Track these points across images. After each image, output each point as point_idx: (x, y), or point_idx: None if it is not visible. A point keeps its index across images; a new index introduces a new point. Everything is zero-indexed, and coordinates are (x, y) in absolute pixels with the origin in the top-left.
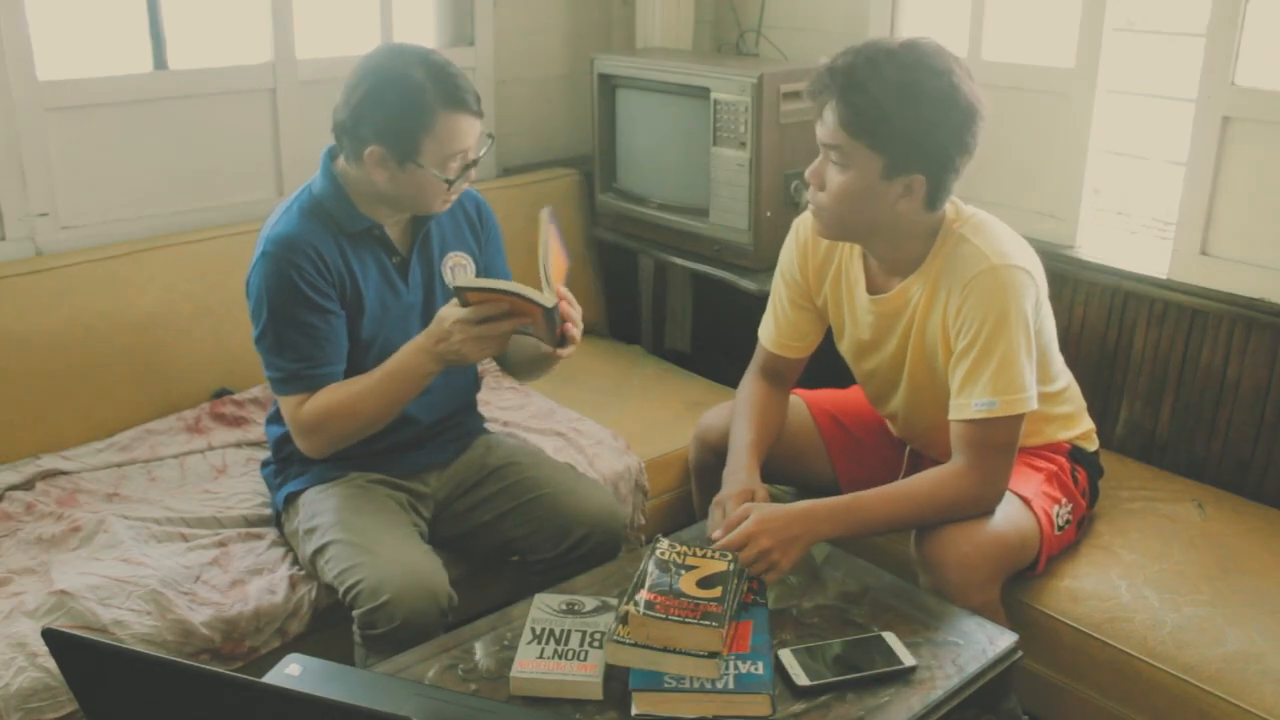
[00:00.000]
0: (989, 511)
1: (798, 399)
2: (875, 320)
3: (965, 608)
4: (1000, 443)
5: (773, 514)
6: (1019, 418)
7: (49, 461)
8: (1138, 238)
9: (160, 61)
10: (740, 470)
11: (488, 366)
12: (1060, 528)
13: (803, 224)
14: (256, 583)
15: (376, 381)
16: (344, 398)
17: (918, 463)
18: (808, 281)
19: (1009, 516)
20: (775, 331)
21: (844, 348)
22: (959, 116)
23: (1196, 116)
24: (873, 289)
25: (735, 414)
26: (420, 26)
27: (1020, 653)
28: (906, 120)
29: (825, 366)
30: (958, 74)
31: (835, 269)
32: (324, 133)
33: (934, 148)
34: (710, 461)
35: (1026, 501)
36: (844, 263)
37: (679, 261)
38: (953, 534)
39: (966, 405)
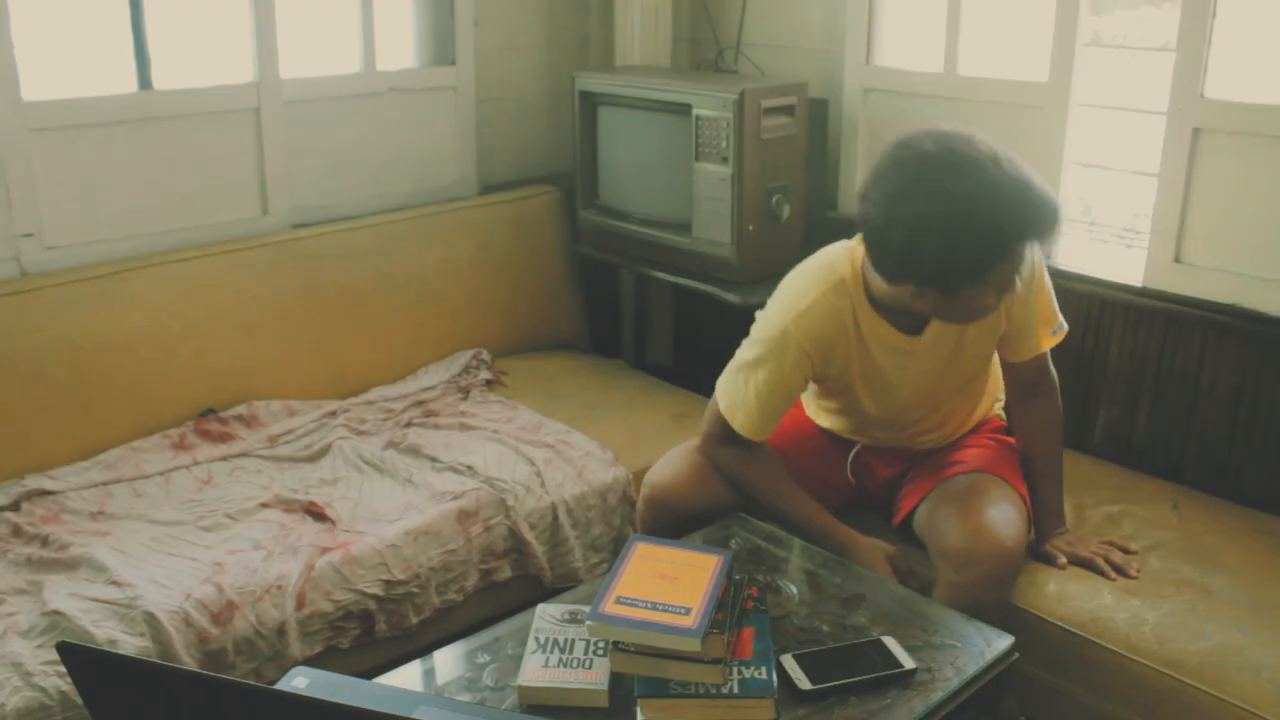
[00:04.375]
0: None
1: None
2: (917, 353)
3: (988, 600)
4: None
5: (1055, 540)
6: None
7: (34, 481)
8: (1109, 247)
9: (145, 82)
10: (847, 535)
11: (473, 382)
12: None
13: (795, 328)
14: (248, 609)
15: None
16: None
17: (863, 463)
18: (815, 371)
19: (1020, 513)
20: (764, 425)
21: (851, 395)
22: None
23: (1168, 128)
24: (908, 329)
25: (760, 481)
26: (401, 46)
27: (1017, 654)
28: None
29: None
30: None
31: (845, 344)
32: (307, 152)
33: None
34: (666, 522)
35: (1024, 497)
36: (860, 330)
37: (661, 276)
38: (996, 527)
39: (1044, 337)
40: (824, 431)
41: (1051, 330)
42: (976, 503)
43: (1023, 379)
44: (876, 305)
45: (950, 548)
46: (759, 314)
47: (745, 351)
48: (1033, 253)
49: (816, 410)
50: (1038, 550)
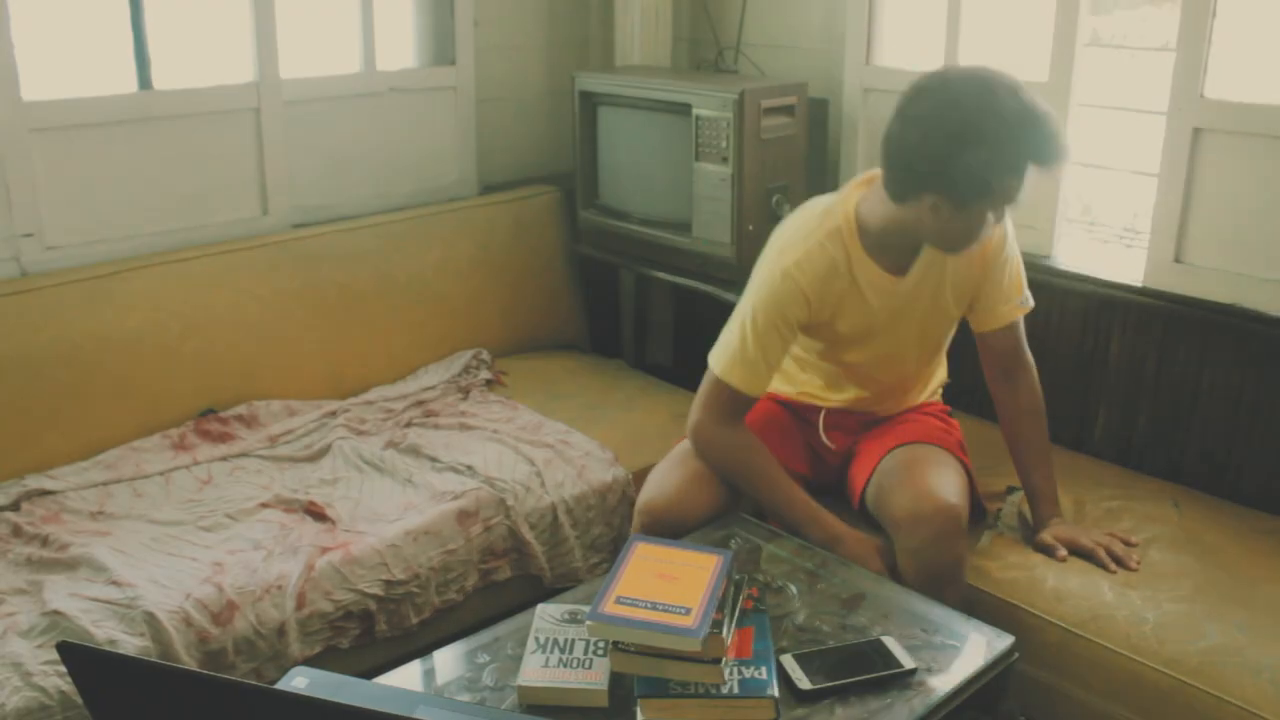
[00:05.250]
0: None
1: None
2: (901, 294)
3: (943, 560)
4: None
5: (1054, 528)
6: None
7: (34, 481)
8: (1109, 247)
9: (145, 82)
10: (837, 525)
11: (473, 382)
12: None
13: (795, 270)
14: (248, 609)
15: None
16: None
17: (829, 433)
18: (810, 316)
19: (960, 474)
20: (765, 377)
21: (834, 337)
22: None
23: (1168, 128)
24: (894, 269)
25: (755, 469)
26: (401, 46)
27: (1017, 654)
28: None
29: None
30: None
31: (840, 285)
32: (307, 152)
33: None
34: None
35: (963, 461)
36: (850, 272)
37: (661, 276)
38: (938, 488)
39: (1016, 306)
40: (787, 408)
41: (1019, 301)
42: (918, 469)
43: (998, 353)
44: (868, 247)
45: (899, 514)
46: (755, 274)
47: (739, 309)
48: (1013, 213)
49: (793, 370)
50: (1036, 541)
